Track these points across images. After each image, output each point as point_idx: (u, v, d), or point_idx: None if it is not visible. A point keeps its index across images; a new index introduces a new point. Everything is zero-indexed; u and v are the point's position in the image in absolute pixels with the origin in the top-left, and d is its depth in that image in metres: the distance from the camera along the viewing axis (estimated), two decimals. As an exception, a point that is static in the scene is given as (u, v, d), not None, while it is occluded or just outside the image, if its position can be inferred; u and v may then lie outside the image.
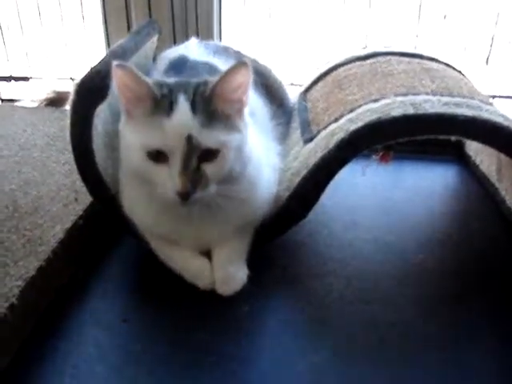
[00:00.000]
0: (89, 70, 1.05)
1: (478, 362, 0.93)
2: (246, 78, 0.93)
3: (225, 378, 0.89)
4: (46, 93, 1.72)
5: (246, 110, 0.99)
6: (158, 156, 0.91)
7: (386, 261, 1.15)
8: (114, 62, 0.91)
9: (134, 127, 0.95)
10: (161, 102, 0.92)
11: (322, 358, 0.92)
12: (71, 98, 1.02)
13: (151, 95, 0.92)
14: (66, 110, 1.55)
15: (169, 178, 0.91)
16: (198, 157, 0.91)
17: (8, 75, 1.85)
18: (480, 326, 1.00)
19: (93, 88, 1.02)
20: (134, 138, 0.94)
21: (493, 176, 1.35)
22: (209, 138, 0.91)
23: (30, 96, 1.73)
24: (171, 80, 0.99)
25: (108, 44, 1.71)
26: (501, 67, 1.67)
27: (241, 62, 0.92)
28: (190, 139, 0.89)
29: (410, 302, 1.05)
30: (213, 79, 0.93)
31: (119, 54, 1.13)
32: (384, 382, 0.90)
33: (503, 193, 1.29)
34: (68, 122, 1.02)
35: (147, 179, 0.94)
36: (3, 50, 1.79)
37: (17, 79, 1.85)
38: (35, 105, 1.72)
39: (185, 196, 0.90)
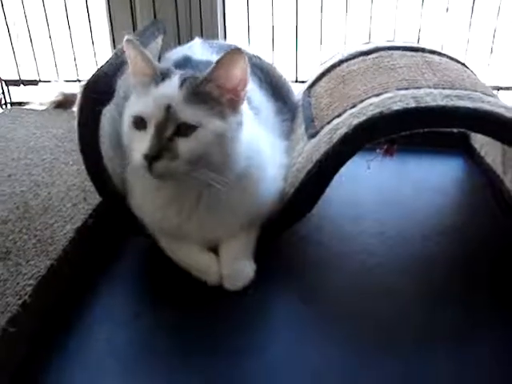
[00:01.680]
0: (95, 71, 1.07)
1: (491, 353, 0.94)
2: (241, 65, 0.94)
3: (234, 370, 0.91)
4: (54, 95, 1.74)
5: (244, 107, 1.01)
6: (140, 123, 0.95)
7: (392, 254, 1.16)
8: (125, 37, 0.97)
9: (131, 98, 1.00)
10: (157, 77, 0.97)
11: (328, 350, 0.94)
12: (78, 99, 1.04)
13: (152, 70, 0.97)
14: (73, 112, 1.57)
15: (142, 144, 0.93)
16: (174, 130, 0.93)
17: (17, 79, 1.87)
18: (489, 318, 1.01)
19: (99, 89, 1.03)
20: (128, 107, 0.99)
21: (498, 168, 1.35)
22: (187, 112, 0.94)
23: (39, 99, 1.76)
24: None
25: (113, 45, 1.73)
26: (505, 59, 1.67)
27: (234, 49, 0.94)
28: (168, 109, 0.93)
29: (416, 296, 1.06)
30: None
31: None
32: (393, 373, 0.90)
33: (508, 184, 1.29)
34: (76, 123, 1.04)
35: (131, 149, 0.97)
36: (12, 55, 1.81)
37: (26, 83, 1.87)
38: (44, 107, 1.74)
39: (149, 160, 0.92)
